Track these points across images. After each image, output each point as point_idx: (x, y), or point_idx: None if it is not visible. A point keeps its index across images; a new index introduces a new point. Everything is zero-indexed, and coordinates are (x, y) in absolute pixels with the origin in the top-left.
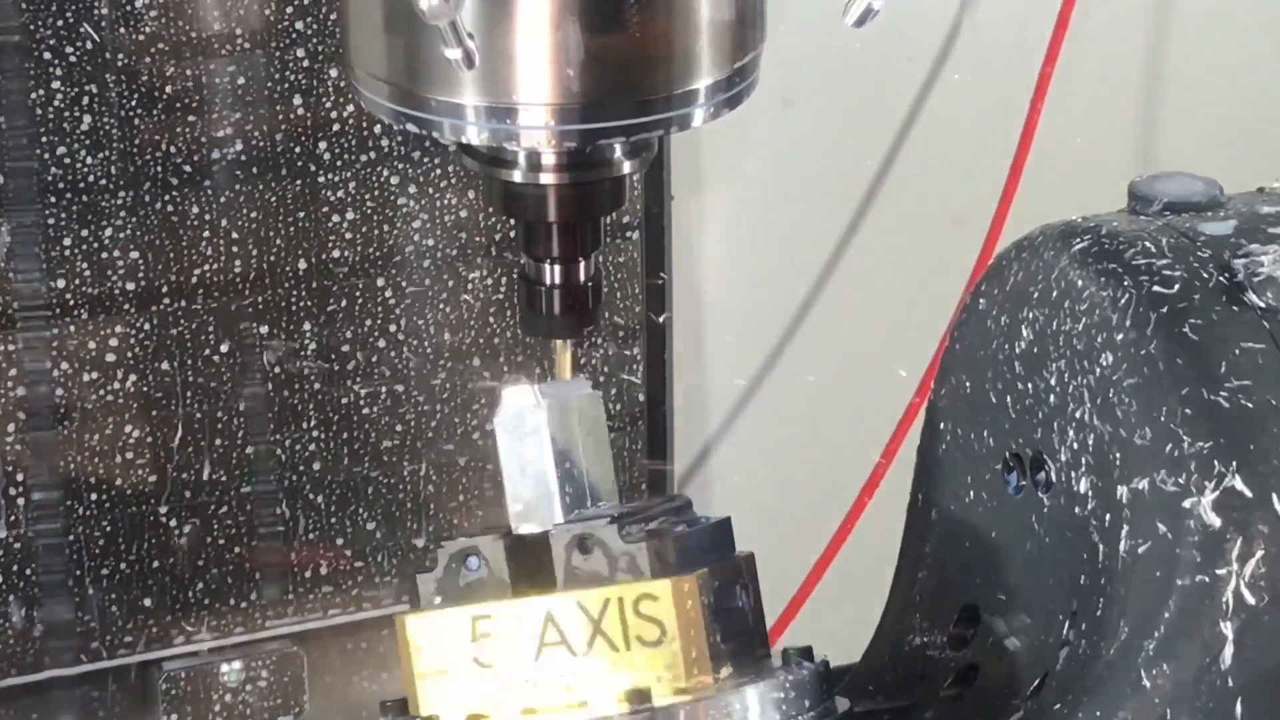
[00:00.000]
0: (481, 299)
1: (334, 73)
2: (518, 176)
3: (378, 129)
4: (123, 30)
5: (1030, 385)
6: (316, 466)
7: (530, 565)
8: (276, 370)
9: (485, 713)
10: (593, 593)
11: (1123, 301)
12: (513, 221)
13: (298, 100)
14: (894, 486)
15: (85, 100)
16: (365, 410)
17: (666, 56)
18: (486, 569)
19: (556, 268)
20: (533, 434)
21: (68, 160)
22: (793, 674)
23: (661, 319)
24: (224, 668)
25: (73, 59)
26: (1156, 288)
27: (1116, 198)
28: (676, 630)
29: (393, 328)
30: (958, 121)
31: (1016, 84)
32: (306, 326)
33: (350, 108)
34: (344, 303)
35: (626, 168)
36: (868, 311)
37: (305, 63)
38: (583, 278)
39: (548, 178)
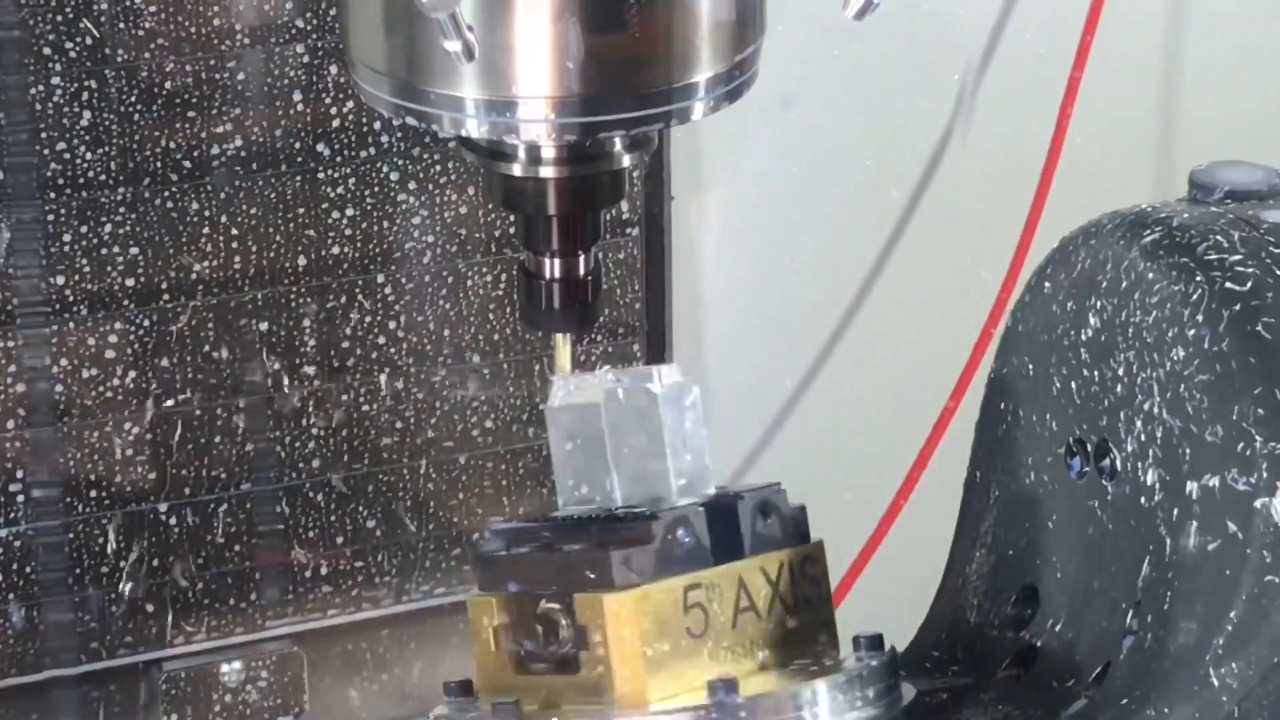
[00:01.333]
0: (481, 295)
1: (334, 69)
2: (517, 170)
3: (378, 125)
4: (122, 26)
5: (1097, 373)
6: (316, 464)
7: (720, 533)
8: (276, 367)
9: (702, 684)
10: (773, 556)
11: (1195, 297)
12: (512, 216)
13: (297, 96)
14: (916, 492)
15: (85, 96)
16: (365, 407)
17: (666, 50)
18: (695, 539)
19: (556, 261)
20: (690, 409)
21: (67, 156)
22: (862, 661)
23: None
24: (224, 668)
25: (72, 54)
26: (1229, 284)
27: (1146, 199)
28: (829, 589)
29: (392, 324)
30: (963, 122)
31: (1031, 85)
32: (306, 323)
33: (350, 104)
34: (343, 299)
35: (626, 161)
36: (870, 311)
37: (305, 58)
38: (582, 271)
39: (547, 171)
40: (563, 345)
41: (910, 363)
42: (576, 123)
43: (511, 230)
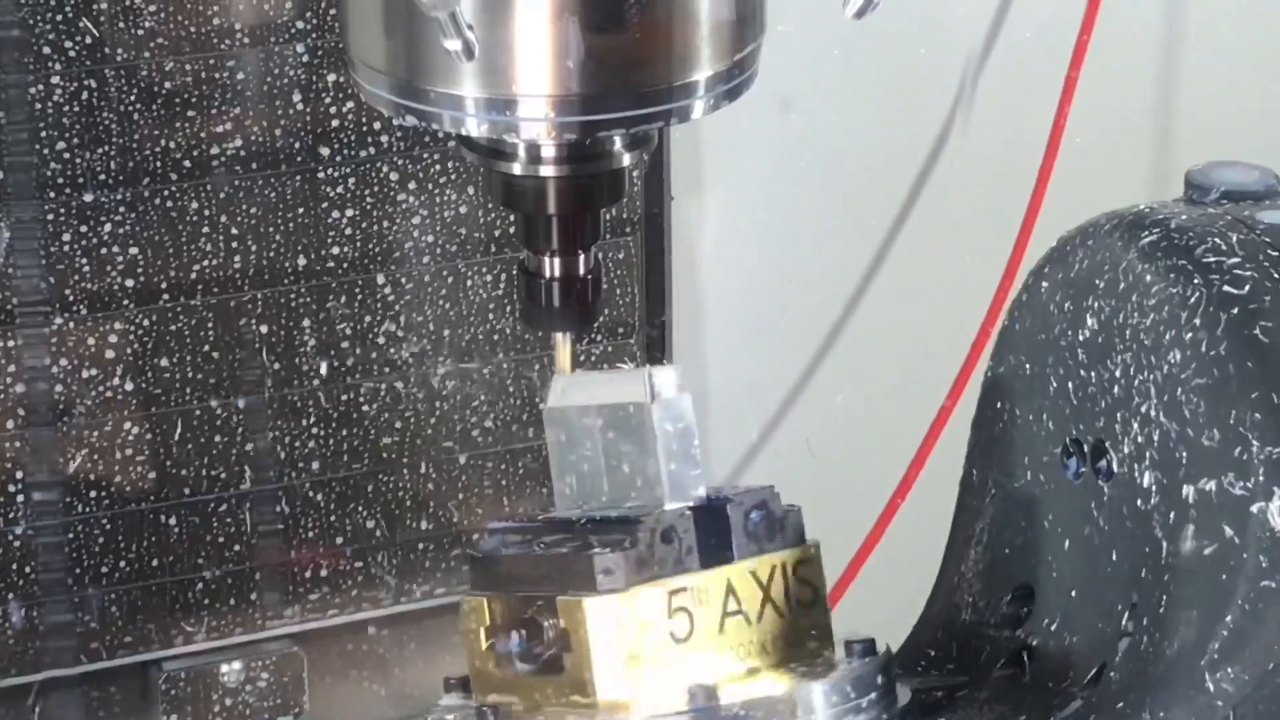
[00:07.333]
0: (481, 295)
1: (334, 70)
2: (517, 169)
3: (377, 125)
4: (122, 25)
5: (1094, 374)
6: (316, 464)
7: (709, 537)
8: (276, 367)
9: (691, 687)
10: (764, 559)
11: (1193, 300)
12: (512, 215)
13: (297, 96)
14: (914, 491)
15: (84, 95)
16: (365, 407)
17: (666, 48)
18: (680, 543)
19: (556, 260)
20: (681, 415)
21: (67, 155)
22: (855, 664)
23: (660, 319)
24: (224, 668)
25: (72, 54)
26: (1227, 288)
27: (1143, 199)
28: (825, 591)
29: (392, 324)
30: (961, 123)
31: (1028, 86)
32: (306, 323)
33: (350, 104)
34: (343, 299)
35: (626, 160)
36: (869, 312)
37: (305, 58)
38: (582, 270)
39: (547, 170)
40: (562, 345)
41: (909, 362)
42: (576, 121)
43: (511, 230)
